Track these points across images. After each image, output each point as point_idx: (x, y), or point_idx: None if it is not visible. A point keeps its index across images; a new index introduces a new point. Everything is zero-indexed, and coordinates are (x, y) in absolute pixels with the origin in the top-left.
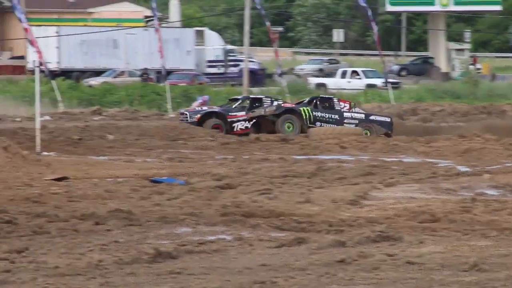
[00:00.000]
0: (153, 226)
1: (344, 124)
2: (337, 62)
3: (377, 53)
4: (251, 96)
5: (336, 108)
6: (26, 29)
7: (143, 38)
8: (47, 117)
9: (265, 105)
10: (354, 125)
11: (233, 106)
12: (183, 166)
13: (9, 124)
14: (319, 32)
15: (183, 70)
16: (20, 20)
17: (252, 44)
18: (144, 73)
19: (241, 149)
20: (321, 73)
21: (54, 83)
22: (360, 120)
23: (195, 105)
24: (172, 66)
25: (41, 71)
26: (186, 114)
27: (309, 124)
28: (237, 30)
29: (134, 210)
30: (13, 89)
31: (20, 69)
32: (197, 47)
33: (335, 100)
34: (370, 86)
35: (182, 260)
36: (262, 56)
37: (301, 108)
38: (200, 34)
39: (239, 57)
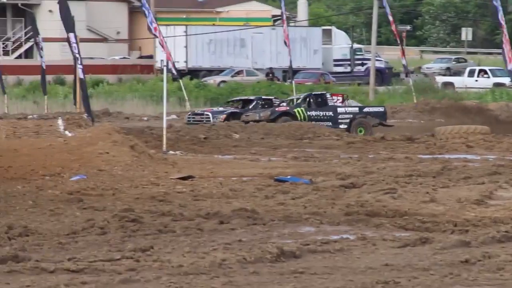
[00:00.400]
0: (277, 225)
1: (339, 120)
2: (465, 60)
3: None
4: (263, 97)
5: (330, 104)
6: (155, 29)
7: (270, 37)
8: (174, 116)
9: (258, 109)
10: (349, 119)
11: (250, 107)
12: (308, 165)
13: (137, 123)
14: (447, 30)
15: (309, 69)
16: (149, 21)
17: (379, 43)
18: (270, 72)
19: (366, 148)
20: (449, 72)
21: (181, 82)
22: (354, 113)
23: None
24: (299, 65)
25: (169, 71)
26: (208, 115)
27: None
28: (365, 29)
29: (258, 209)
30: (141, 88)
31: (149, 68)
32: (324, 46)
33: (327, 95)
34: (498, 85)
35: (305, 259)
36: (389, 55)
37: (295, 110)
38: (327, 33)
39: (366, 56)
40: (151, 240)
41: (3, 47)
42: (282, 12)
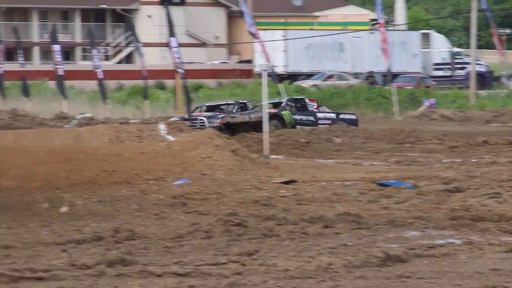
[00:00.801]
0: (382, 229)
1: (319, 125)
2: None
3: None
4: (240, 101)
5: (309, 108)
6: (254, 34)
7: (368, 41)
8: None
9: (248, 111)
10: (328, 125)
11: (233, 111)
12: (411, 169)
13: None
14: None
15: (409, 73)
16: (248, 25)
17: (479, 47)
18: (370, 76)
19: (469, 153)
20: None
21: (281, 86)
22: (332, 119)
23: (421, 109)
24: (398, 69)
25: (269, 75)
26: (202, 120)
27: (291, 127)
28: (464, 32)
29: (362, 213)
30: (241, 92)
31: (248, 73)
32: (423, 50)
33: (306, 100)
34: None
35: (412, 264)
36: (489, 59)
37: (283, 112)
38: (426, 37)
39: (466, 59)
40: (256, 244)
41: (104, 53)
42: (377, 17)
